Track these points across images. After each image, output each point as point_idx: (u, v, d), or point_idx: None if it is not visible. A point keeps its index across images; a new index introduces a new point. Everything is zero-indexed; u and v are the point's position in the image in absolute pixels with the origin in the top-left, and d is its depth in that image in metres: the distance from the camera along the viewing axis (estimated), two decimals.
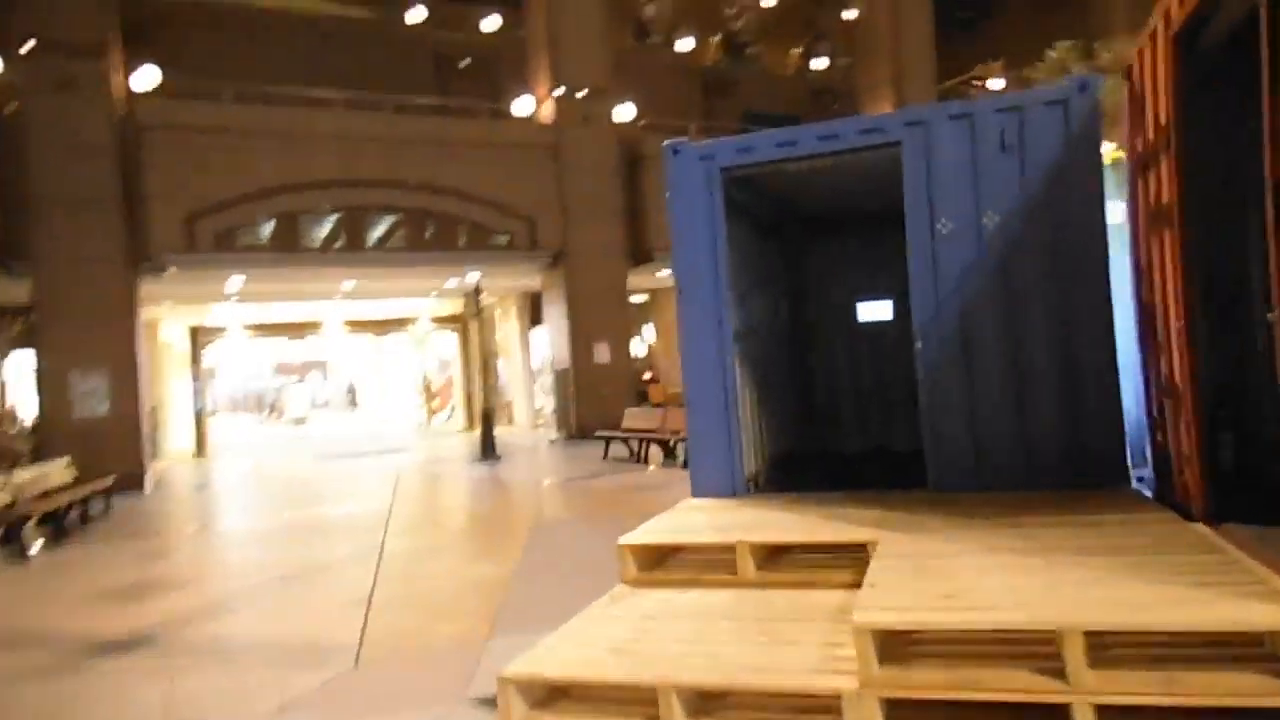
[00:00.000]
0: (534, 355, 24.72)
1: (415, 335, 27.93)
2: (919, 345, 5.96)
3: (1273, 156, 3.07)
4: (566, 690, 3.77)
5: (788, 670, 3.48)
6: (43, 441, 14.23)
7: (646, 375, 24.56)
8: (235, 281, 17.78)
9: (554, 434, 20.08)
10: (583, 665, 3.77)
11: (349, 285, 20.29)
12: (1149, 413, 5.30)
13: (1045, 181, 5.64)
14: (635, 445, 14.91)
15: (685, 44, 28.97)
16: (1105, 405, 5.54)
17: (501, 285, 21.75)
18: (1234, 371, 4.72)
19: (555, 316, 20.11)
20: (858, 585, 4.66)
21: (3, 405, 17.22)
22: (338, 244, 17.86)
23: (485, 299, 18.60)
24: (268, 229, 17.10)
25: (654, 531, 5.36)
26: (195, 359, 22.57)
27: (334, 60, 21.11)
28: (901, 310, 9.21)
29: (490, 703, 3.86)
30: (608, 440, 15.44)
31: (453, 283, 20.09)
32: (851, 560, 4.90)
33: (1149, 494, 5.48)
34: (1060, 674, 2.96)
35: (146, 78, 16.13)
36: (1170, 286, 4.53)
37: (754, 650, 3.78)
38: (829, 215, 8.72)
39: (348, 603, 6.64)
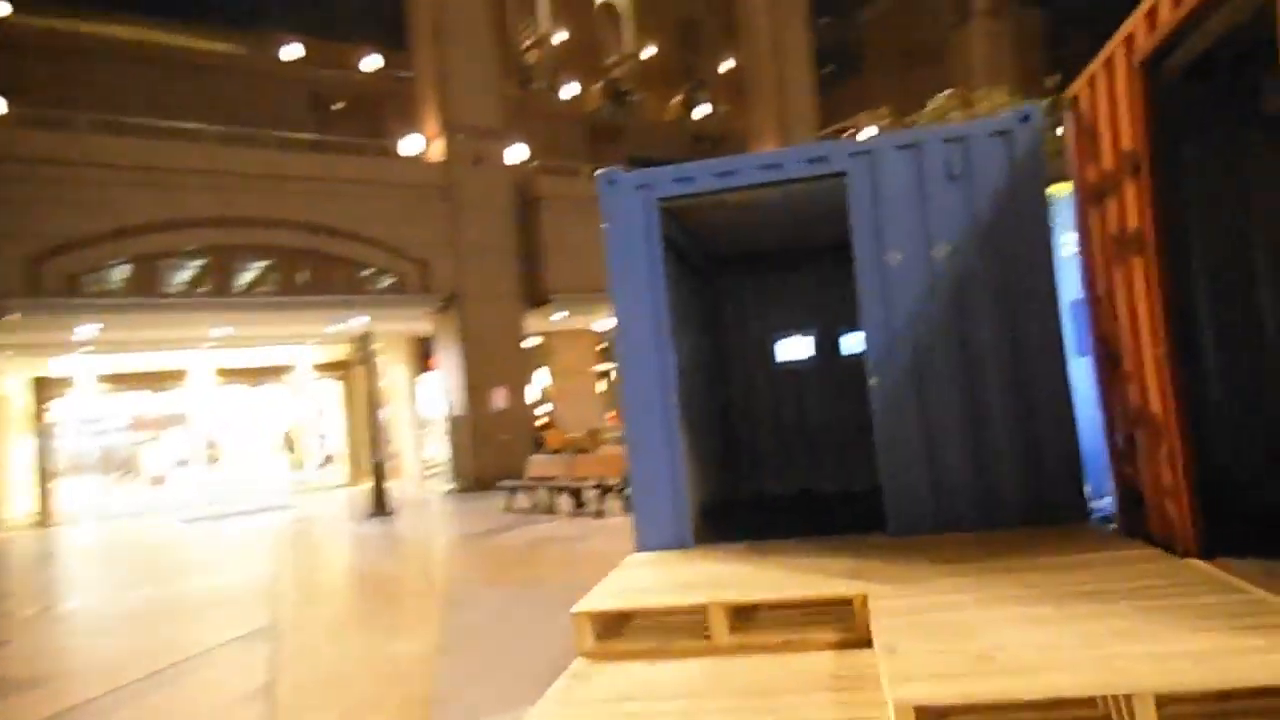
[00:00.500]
0: (421, 403, 23.64)
1: (293, 384, 26.25)
2: (873, 382, 5.72)
3: None
4: None
5: None
6: None
7: (542, 421, 23.86)
8: (88, 329, 16.10)
9: (448, 485, 19.08)
10: None
11: (220, 332, 18.81)
12: (1111, 445, 5.19)
13: (992, 212, 5.56)
14: (543, 495, 14.21)
15: (569, 91, 29.16)
16: (1062, 440, 5.43)
17: (389, 330, 20.71)
18: (1201, 399, 4.65)
19: (449, 361, 19.25)
20: (843, 645, 4.30)
21: None
22: (204, 288, 16.50)
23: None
24: (126, 271, 15.61)
25: (611, 595, 4.81)
26: (39, 414, 20.33)
27: (204, 95, 19.84)
28: (825, 347, 9.13)
29: None
30: (512, 490, 14.68)
31: (337, 327, 18.95)
32: (831, 616, 4.53)
33: (1111, 528, 5.38)
34: None
35: None
36: (1143, 314, 4.42)
37: None
38: (746, 251, 8.51)
39: (242, 698, 5.71)
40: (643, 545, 5.93)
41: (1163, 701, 2.79)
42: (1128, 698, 2.74)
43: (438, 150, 19.04)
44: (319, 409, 27.53)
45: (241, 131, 17.29)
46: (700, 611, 4.56)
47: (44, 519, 19.26)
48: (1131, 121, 4.38)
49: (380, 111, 23.83)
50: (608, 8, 30.88)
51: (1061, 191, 5.63)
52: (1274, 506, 4.91)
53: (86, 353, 18.74)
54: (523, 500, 14.59)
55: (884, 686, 3.24)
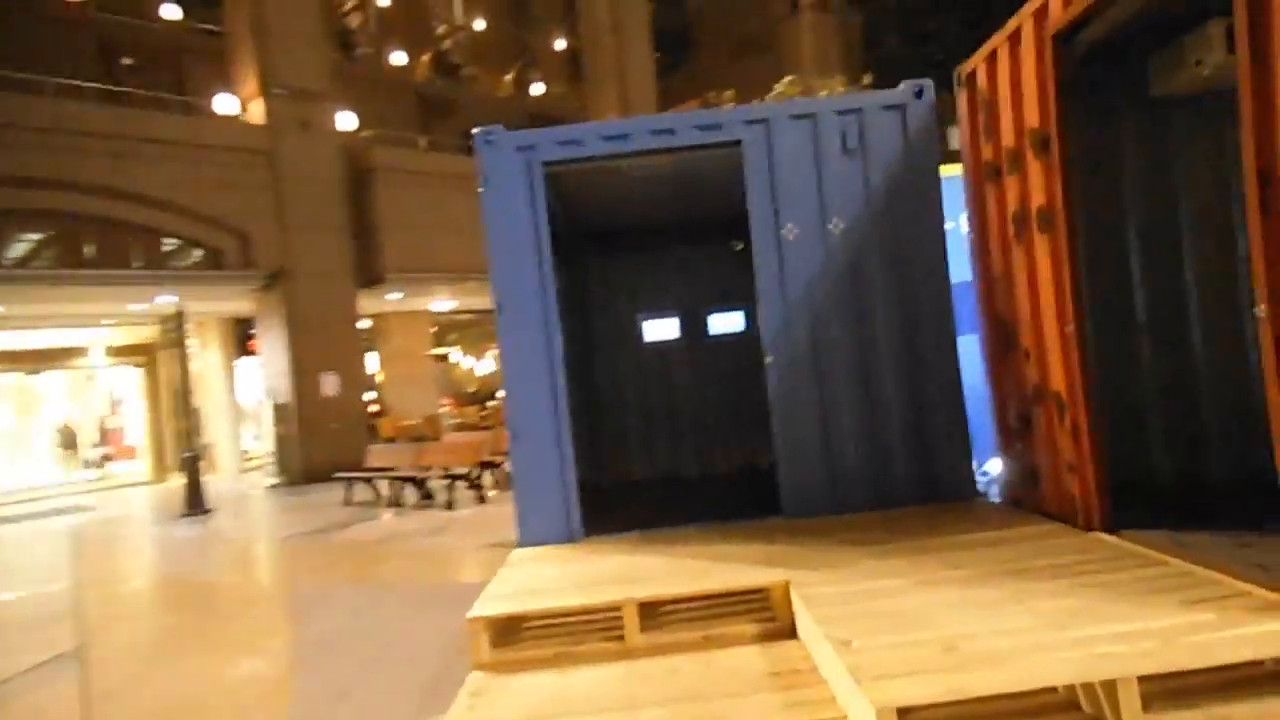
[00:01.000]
0: (240, 390, 21.69)
1: (85, 370, 23.35)
2: (770, 359, 5.53)
3: (1255, 145, 2.89)
4: None
5: None
6: None
7: (374, 408, 22.50)
8: None
9: (273, 479, 17.56)
10: None
11: None
12: (1001, 422, 5.25)
13: (886, 187, 5.49)
14: (386, 486, 13.29)
15: (396, 59, 27.71)
16: (953, 417, 5.46)
17: (205, 310, 18.75)
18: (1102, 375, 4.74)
19: (273, 344, 17.66)
20: (766, 637, 4.06)
21: None
22: None
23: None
24: None
25: (508, 596, 4.33)
26: None
27: None
28: (692, 329, 8.94)
29: None
30: (350, 481, 13.62)
31: (140, 307, 16.91)
32: (745, 608, 4.27)
33: (996, 503, 5.48)
34: None
35: None
36: (1047, 293, 4.44)
37: None
38: (615, 226, 8.17)
39: None
40: (528, 539, 5.46)
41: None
42: (1109, 682, 2.62)
43: (257, 112, 17.34)
44: (115, 398, 24.75)
45: (18, 77, 14.89)
46: (606, 610, 4.19)
47: None
48: (1041, 97, 4.36)
49: (181, 67, 21.54)
50: None
51: (949, 172, 5.63)
52: (1163, 478, 5.15)
53: None
54: (363, 492, 13.59)
55: (842, 683, 3.01)
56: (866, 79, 18.99)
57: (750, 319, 8.66)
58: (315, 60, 18.11)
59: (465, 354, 32.53)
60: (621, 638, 4.06)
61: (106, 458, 24.12)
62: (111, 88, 17.34)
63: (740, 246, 8.73)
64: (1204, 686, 2.75)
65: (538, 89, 31.87)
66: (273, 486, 17.15)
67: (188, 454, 14.58)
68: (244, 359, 21.31)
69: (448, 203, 18.79)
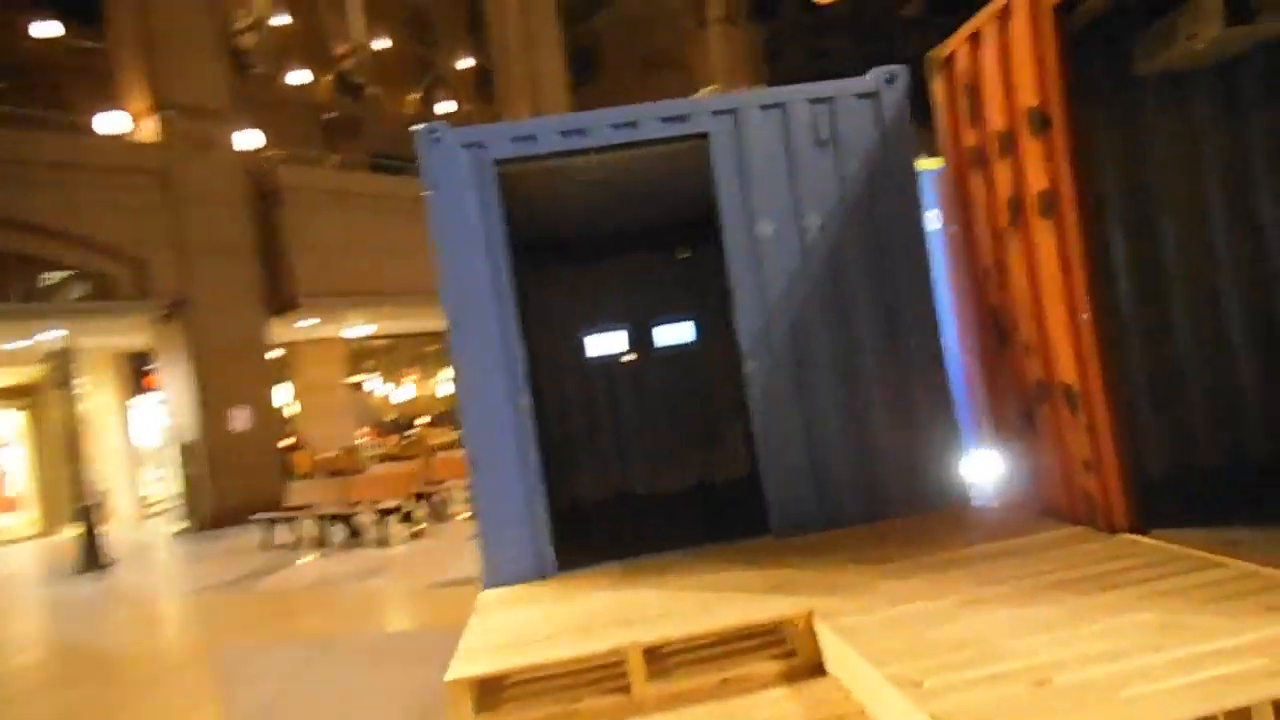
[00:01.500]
0: (137, 431, 20.16)
1: None
2: (750, 366, 5.13)
3: None
4: None
5: None
6: None
7: (288, 441, 21.22)
8: None
9: (179, 524, 16.25)
10: None
11: None
12: (997, 422, 4.97)
13: (862, 179, 5.19)
14: (310, 526, 12.34)
15: (296, 79, 26.65)
16: (944, 419, 5.16)
17: (96, 344, 17.28)
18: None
19: (176, 379, 16.38)
20: (788, 677, 3.63)
21: None
22: None
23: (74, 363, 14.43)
24: None
25: (491, 650, 3.77)
26: None
27: None
28: (638, 342, 8.52)
29: None
30: (270, 523, 12.61)
31: (18, 344, 15.43)
32: (759, 643, 3.83)
33: (993, 507, 5.20)
34: None
35: None
36: (1054, 281, 4.17)
37: None
38: (559, 235, 7.69)
39: None
40: (495, 578, 4.89)
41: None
42: (1240, 710, 2.28)
43: (149, 131, 16.14)
44: None
45: None
46: (606, 659, 3.68)
47: None
48: (1039, 73, 4.10)
49: (60, 85, 20.07)
50: None
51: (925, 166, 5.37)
52: (1191, 475, 4.94)
53: None
54: (284, 534, 12.61)
55: None
56: None
57: (701, 329, 8.32)
58: (211, 75, 17.02)
59: (385, 381, 31.32)
60: (627, 690, 3.56)
61: None
62: None
63: (686, 255, 8.39)
64: None
65: (447, 107, 31.12)
66: (180, 533, 15.87)
67: (85, 504, 13.26)
68: (140, 396, 19.82)
69: (360, 224, 17.90)
